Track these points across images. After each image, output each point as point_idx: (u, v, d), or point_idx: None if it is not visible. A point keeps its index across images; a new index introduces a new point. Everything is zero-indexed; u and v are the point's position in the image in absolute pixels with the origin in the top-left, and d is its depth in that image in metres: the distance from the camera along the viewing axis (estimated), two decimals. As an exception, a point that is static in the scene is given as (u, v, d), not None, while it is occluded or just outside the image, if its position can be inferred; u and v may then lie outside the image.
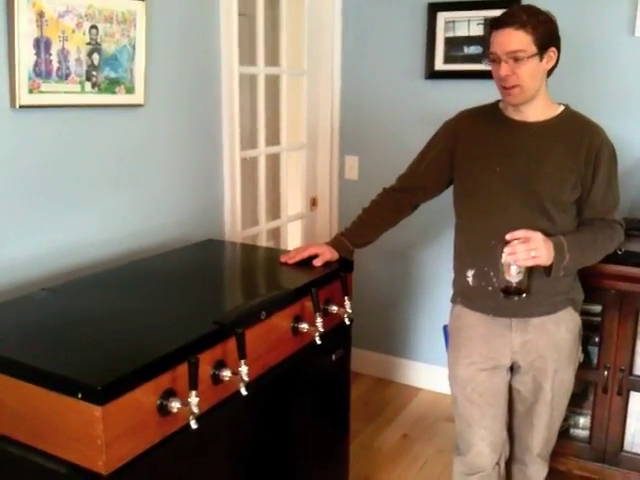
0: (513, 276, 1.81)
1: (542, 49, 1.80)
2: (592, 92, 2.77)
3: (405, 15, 3.12)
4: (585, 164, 1.89)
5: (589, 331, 2.51)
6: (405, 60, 3.17)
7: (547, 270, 1.85)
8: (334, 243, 2.16)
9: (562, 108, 1.95)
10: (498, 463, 2.10)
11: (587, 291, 2.06)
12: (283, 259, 2.13)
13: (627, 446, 2.44)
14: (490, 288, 1.94)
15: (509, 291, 1.84)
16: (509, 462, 2.20)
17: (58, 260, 2.03)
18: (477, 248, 1.98)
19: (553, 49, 1.84)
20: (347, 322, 2.01)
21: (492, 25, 1.84)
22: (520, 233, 1.79)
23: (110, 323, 1.61)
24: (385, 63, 3.22)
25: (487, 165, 1.95)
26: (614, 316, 2.34)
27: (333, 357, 2.07)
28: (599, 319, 2.40)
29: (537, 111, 1.92)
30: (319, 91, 3.32)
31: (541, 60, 1.82)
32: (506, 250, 1.78)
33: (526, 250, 1.77)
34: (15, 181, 1.90)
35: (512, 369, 2.05)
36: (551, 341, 1.98)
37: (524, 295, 1.84)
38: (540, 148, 1.91)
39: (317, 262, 2.07)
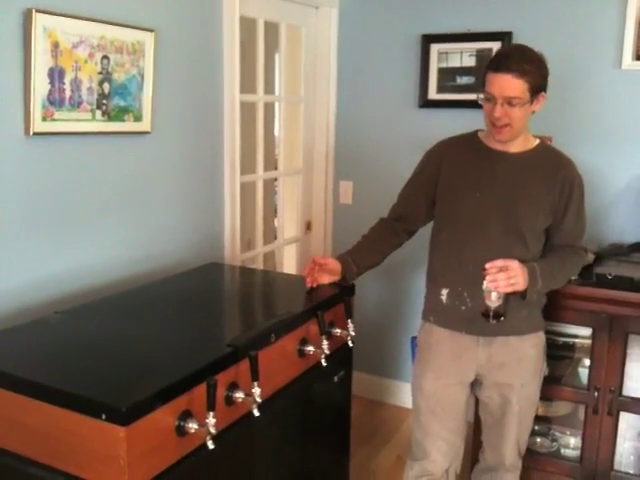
0: (493, 301, 1.92)
1: (534, 95, 1.91)
2: (579, 125, 2.86)
3: (399, 46, 3.22)
4: (559, 195, 2.01)
5: (580, 353, 2.60)
6: (399, 89, 3.26)
7: (522, 294, 1.96)
8: (343, 263, 2.14)
9: (538, 141, 2.07)
10: (447, 470, 2.20)
11: (578, 314, 2.13)
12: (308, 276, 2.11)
13: (617, 465, 2.51)
14: (464, 307, 2.05)
15: (489, 315, 1.95)
16: (481, 472, 2.29)
17: (66, 284, 2.07)
18: (454, 270, 2.07)
19: (543, 93, 1.95)
20: (350, 344, 2.07)
21: (492, 66, 1.91)
22: (499, 262, 1.89)
23: (125, 346, 1.65)
24: (380, 92, 3.32)
25: (468, 191, 2.05)
26: (604, 339, 2.41)
27: (335, 379, 2.12)
28: (589, 342, 2.47)
29: (518, 143, 2.03)
30: (315, 118, 3.40)
31: (532, 104, 1.93)
32: (488, 278, 1.89)
33: (506, 278, 1.89)
34: (27, 206, 1.95)
35: (479, 383, 2.15)
36: (515, 356, 2.08)
37: (502, 318, 1.95)
38: (519, 177, 2.02)
39: (324, 279, 2.11)
